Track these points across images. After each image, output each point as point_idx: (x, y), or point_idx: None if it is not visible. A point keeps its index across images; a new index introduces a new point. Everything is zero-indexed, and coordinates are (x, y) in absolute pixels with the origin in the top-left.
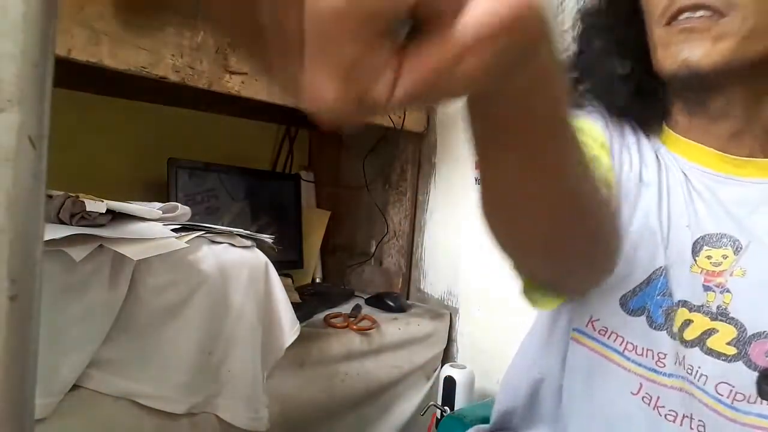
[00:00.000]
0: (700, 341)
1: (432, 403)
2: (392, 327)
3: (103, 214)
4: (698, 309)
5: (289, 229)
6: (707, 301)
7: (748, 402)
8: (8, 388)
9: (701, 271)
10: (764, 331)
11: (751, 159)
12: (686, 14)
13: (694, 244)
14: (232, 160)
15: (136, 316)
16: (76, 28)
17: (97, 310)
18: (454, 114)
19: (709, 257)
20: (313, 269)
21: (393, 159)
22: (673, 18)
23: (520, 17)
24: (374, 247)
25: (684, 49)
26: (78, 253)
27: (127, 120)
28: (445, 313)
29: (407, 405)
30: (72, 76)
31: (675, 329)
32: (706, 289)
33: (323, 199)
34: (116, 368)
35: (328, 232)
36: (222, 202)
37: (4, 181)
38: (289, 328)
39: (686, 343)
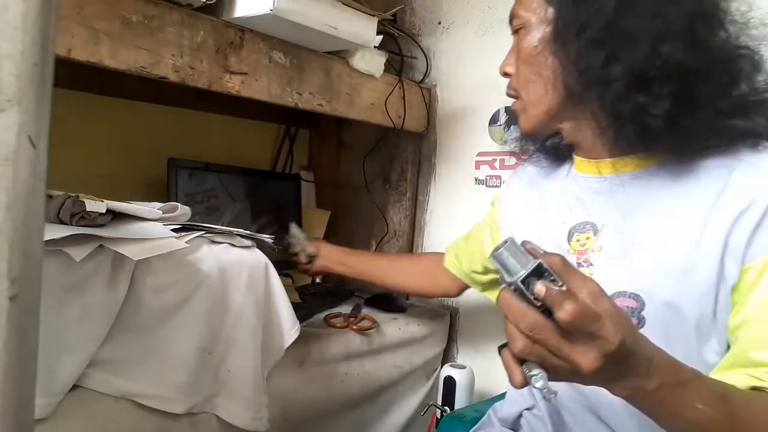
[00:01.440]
0: None
1: (432, 403)
2: (392, 327)
3: (103, 214)
4: None
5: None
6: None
7: None
8: (8, 388)
9: (574, 253)
10: (617, 292)
11: (602, 160)
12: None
13: (568, 233)
14: (232, 160)
15: (136, 316)
16: (76, 28)
17: (97, 310)
18: (454, 114)
19: (578, 240)
20: None
21: (393, 159)
22: None
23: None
24: (374, 247)
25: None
26: (78, 253)
27: (127, 120)
28: (445, 313)
29: (407, 405)
30: (72, 76)
31: None
32: (579, 265)
33: (323, 199)
34: (116, 368)
35: (328, 231)
36: (222, 202)
37: (4, 181)
38: (289, 328)
39: None
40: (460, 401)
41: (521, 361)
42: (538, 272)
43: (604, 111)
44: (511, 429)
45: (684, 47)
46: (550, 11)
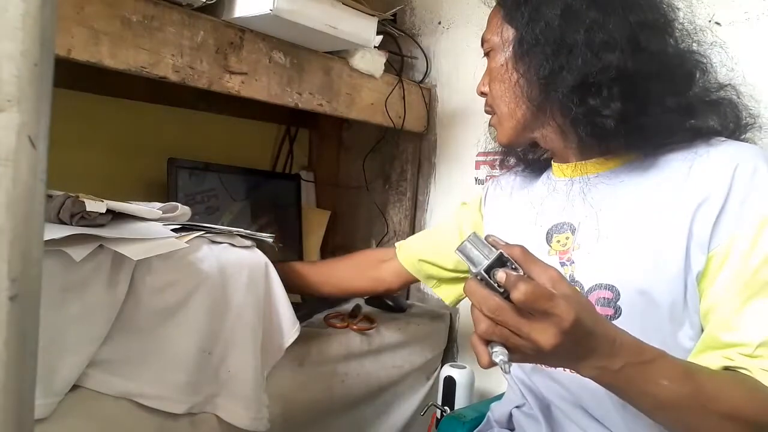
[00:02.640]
0: None
1: (432, 403)
2: (392, 327)
3: (103, 214)
4: None
5: (289, 229)
6: (565, 274)
7: None
8: (8, 388)
9: (556, 253)
10: (594, 284)
11: (572, 163)
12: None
13: (546, 234)
14: (232, 160)
15: (135, 316)
16: (76, 28)
17: (97, 310)
18: (454, 114)
19: (558, 241)
20: None
21: (393, 159)
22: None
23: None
24: (374, 247)
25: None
26: (78, 253)
27: (127, 120)
28: (445, 313)
29: (407, 405)
30: (72, 76)
31: None
32: (563, 264)
33: (323, 199)
34: (116, 368)
35: (328, 231)
36: (222, 202)
37: (4, 181)
38: (289, 328)
39: None
40: (460, 401)
41: (487, 343)
42: (501, 262)
43: (564, 117)
44: (506, 429)
45: (628, 54)
46: (512, 32)
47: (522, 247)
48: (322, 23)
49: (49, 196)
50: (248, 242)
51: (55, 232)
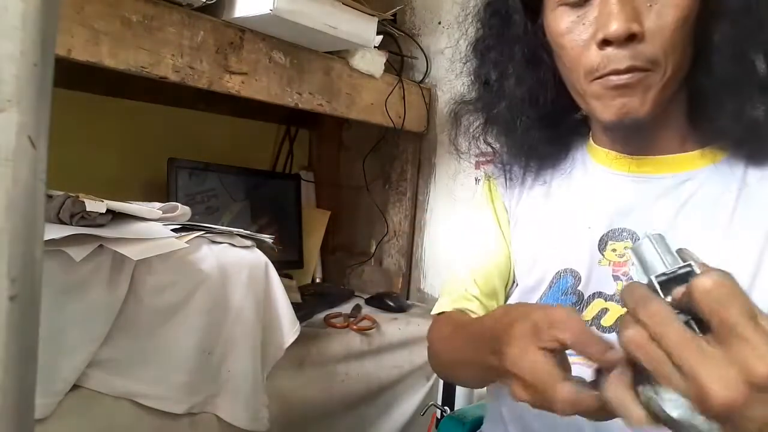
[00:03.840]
0: (616, 326)
1: (432, 403)
2: (392, 327)
3: (103, 214)
4: (611, 298)
5: (289, 229)
6: (618, 289)
7: None
8: (8, 388)
9: (609, 263)
10: None
11: (653, 157)
12: (617, 75)
13: (599, 241)
14: (232, 160)
15: (136, 316)
16: (76, 28)
17: (97, 310)
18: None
19: (614, 250)
20: (313, 269)
21: (393, 159)
22: (603, 76)
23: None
24: (374, 247)
25: (622, 101)
26: (78, 253)
27: (127, 120)
28: None
29: (407, 405)
30: (72, 76)
31: (588, 320)
32: (615, 278)
33: (323, 199)
34: (116, 368)
35: (328, 232)
36: (222, 202)
37: (4, 181)
38: (289, 328)
39: (604, 330)
40: (460, 401)
41: (633, 372)
42: (681, 281)
43: (708, 82)
44: None
45: None
46: None
47: (724, 273)
48: (322, 23)
49: (49, 196)
50: (248, 242)
51: (55, 232)
